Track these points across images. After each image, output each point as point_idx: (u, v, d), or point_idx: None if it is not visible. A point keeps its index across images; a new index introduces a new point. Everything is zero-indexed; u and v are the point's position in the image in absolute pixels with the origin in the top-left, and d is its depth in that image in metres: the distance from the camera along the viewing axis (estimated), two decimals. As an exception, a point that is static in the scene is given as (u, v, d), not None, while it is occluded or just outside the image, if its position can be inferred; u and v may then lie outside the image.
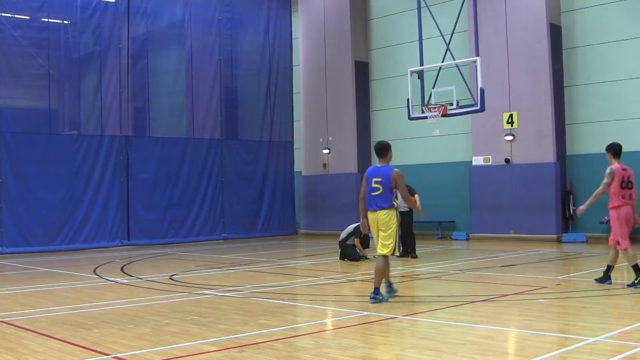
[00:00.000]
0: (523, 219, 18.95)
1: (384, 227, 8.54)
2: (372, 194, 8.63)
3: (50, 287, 11.16)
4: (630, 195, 9.37)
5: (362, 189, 8.77)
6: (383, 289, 8.71)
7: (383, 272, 8.58)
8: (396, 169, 8.55)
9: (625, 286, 9.38)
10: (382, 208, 8.53)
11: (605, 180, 9.33)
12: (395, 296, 8.82)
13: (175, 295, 9.74)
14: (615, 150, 9.60)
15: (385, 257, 8.55)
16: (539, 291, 9.45)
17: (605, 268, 9.70)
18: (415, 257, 14.31)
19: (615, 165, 9.43)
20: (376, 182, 8.63)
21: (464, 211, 20.08)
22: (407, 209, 14.20)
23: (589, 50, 18.68)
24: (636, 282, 9.22)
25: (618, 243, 9.31)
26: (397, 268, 12.66)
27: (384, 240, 8.53)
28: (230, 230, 22.36)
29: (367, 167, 26.43)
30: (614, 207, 9.33)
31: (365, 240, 14.36)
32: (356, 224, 14.07)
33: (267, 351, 6.01)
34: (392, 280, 9.17)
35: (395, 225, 8.57)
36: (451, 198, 20.58)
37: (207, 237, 21.72)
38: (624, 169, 9.46)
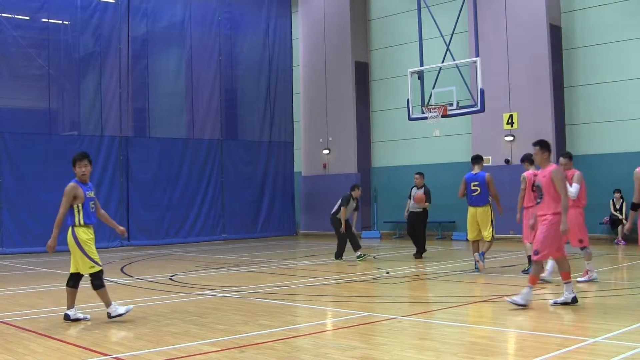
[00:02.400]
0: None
1: (481, 219, 11.75)
2: (472, 194, 11.81)
3: (50, 287, 11.15)
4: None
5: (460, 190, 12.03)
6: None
7: (488, 248, 11.90)
8: (488, 174, 11.75)
9: (521, 272, 11.15)
10: (479, 205, 11.75)
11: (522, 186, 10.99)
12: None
13: (175, 295, 9.73)
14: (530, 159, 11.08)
15: (489, 242, 11.78)
16: (539, 291, 9.45)
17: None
18: (419, 257, 14.35)
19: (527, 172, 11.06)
20: (474, 185, 11.83)
21: (464, 212, 19.97)
22: (419, 210, 14.26)
23: (589, 50, 18.68)
24: (527, 268, 10.96)
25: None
26: (398, 268, 12.66)
27: (485, 231, 11.76)
28: (230, 231, 22.36)
29: (367, 167, 26.45)
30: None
31: (354, 240, 14.56)
32: (345, 194, 14.61)
33: (267, 351, 6.01)
34: (393, 280, 9.16)
35: (490, 218, 11.83)
36: (451, 198, 20.44)
37: (207, 237, 21.72)
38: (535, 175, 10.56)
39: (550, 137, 18.57)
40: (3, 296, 10.09)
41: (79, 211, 7.72)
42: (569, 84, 19.05)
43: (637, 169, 8.39)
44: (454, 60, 17.04)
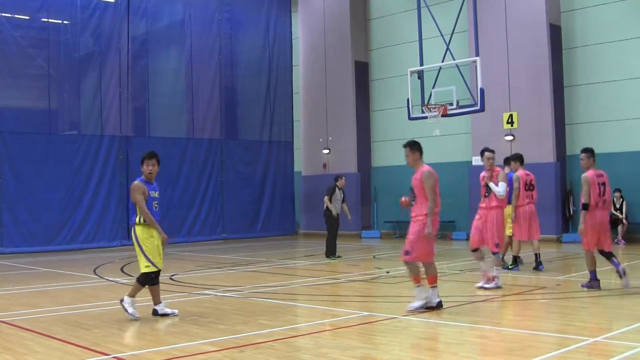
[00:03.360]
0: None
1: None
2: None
3: (50, 287, 11.16)
4: (532, 195, 11.68)
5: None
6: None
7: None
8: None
9: (502, 268, 10.94)
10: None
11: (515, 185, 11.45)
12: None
13: (175, 295, 9.73)
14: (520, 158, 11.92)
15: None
16: (539, 291, 9.46)
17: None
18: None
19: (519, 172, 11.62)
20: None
21: (464, 211, 20.06)
22: None
23: (589, 50, 18.68)
24: (510, 266, 11.64)
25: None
26: (399, 268, 12.66)
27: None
28: (230, 230, 22.35)
29: (367, 167, 26.37)
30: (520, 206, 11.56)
31: (332, 245, 14.83)
32: (330, 184, 15.20)
33: (267, 351, 6.01)
34: (393, 280, 9.16)
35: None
36: (451, 198, 20.54)
37: (207, 237, 21.72)
38: (527, 174, 11.71)
39: (550, 137, 18.60)
40: (3, 296, 10.10)
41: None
42: (569, 84, 19.05)
43: (585, 174, 9.31)
44: (454, 59, 17.04)
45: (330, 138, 24.07)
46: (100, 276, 12.50)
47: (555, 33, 18.90)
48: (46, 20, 19.33)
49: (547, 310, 8.17)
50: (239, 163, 22.89)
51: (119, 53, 20.19)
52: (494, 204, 9.51)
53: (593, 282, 9.18)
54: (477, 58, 16.31)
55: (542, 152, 18.58)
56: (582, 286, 9.28)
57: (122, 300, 7.80)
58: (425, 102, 17.06)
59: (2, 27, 18.34)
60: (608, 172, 18.52)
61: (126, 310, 7.70)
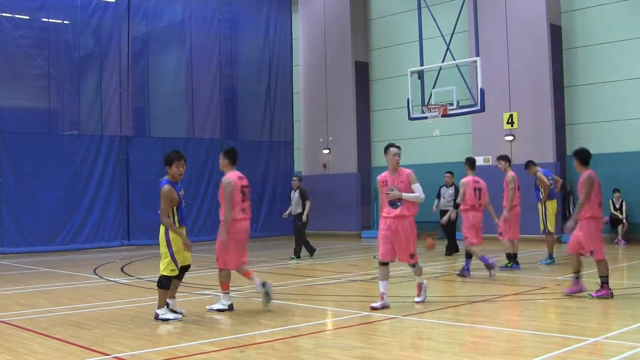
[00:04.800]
0: (523, 220, 18.79)
1: None
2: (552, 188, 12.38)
3: (50, 287, 11.15)
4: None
5: None
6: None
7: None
8: None
9: (498, 267, 11.26)
10: None
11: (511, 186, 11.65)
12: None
13: (176, 295, 9.71)
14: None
15: None
16: (539, 291, 9.46)
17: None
18: (449, 254, 14.95)
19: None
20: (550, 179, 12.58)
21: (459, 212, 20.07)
22: (448, 209, 14.60)
23: (589, 50, 18.68)
24: (508, 265, 11.65)
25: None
26: (399, 268, 12.65)
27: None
28: (229, 231, 22.33)
29: (367, 167, 26.30)
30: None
31: (300, 245, 15.09)
32: (303, 188, 15.66)
33: (267, 351, 6.01)
34: (393, 280, 9.17)
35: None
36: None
37: (207, 237, 21.63)
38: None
39: (550, 137, 18.60)
40: (3, 296, 10.09)
41: (174, 214, 7.59)
42: (569, 84, 19.05)
43: (464, 180, 10.91)
44: (454, 60, 17.04)
45: (330, 138, 24.07)
46: (100, 276, 12.50)
47: (555, 33, 18.90)
48: (46, 20, 19.34)
49: (547, 310, 8.17)
50: (239, 163, 22.81)
51: (119, 53, 20.19)
52: (406, 212, 8.13)
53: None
54: (477, 58, 16.31)
55: (542, 152, 18.58)
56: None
57: (156, 316, 7.55)
58: (426, 102, 17.06)
59: (2, 27, 18.34)
60: (608, 172, 18.69)
61: (168, 320, 7.47)
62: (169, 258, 7.52)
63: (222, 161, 8.49)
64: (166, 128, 21.40)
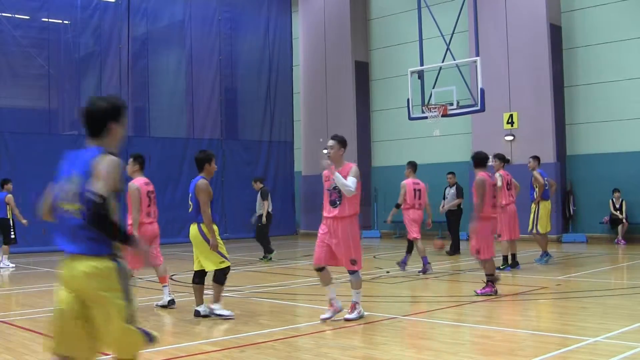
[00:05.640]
0: (523, 220, 18.93)
1: None
2: (546, 188, 12.53)
3: (50, 287, 11.14)
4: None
5: None
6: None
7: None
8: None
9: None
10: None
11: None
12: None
13: (175, 295, 9.72)
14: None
15: None
16: (539, 291, 9.46)
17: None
18: (452, 254, 15.06)
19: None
20: (546, 180, 12.64)
21: (464, 211, 20.07)
22: (455, 208, 15.04)
23: (589, 50, 18.68)
24: (501, 267, 11.49)
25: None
26: (399, 268, 12.65)
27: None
28: (230, 230, 22.34)
29: (367, 167, 26.20)
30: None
31: (263, 237, 15.31)
32: (264, 188, 15.74)
33: (267, 351, 6.01)
34: (393, 280, 9.15)
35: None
36: (451, 198, 20.57)
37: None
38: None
39: (550, 137, 18.59)
40: (3, 296, 10.09)
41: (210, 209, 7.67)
42: (569, 84, 19.05)
43: (404, 182, 11.81)
44: (454, 60, 17.04)
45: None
46: (100, 276, 12.47)
47: (555, 33, 18.90)
48: (46, 20, 19.34)
49: (547, 310, 8.17)
50: (239, 163, 22.88)
51: (119, 53, 20.20)
52: (346, 212, 7.42)
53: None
54: (477, 58, 16.31)
55: (542, 152, 18.51)
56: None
57: (212, 311, 7.61)
58: (426, 102, 17.05)
59: (2, 27, 18.34)
60: (608, 172, 18.66)
61: (222, 316, 7.56)
62: (214, 254, 7.54)
63: (132, 167, 8.55)
64: (166, 128, 21.41)
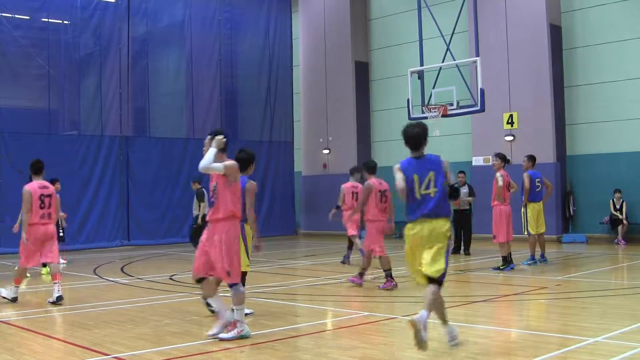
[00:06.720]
0: (518, 221, 18.94)
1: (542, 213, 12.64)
2: (537, 190, 12.44)
3: (51, 287, 11.14)
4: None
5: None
6: None
7: None
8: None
9: (491, 269, 11.59)
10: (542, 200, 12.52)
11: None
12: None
13: (175, 295, 9.73)
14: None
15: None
16: (539, 291, 9.46)
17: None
18: (469, 254, 15.00)
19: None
20: (538, 182, 12.41)
21: (474, 211, 20.07)
22: (466, 207, 15.06)
23: (589, 50, 18.67)
24: (501, 267, 11.64)
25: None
26: (398, 269, 12.65)
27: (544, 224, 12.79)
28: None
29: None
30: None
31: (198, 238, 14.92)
32: (199, 190, 15.53)
33: (267, 351, 6.01)
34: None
35: None
36: (451, 198, 20.56)
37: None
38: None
39: (550, 137, 18.59)
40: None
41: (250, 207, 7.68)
42: (569, 84, 19.05)
43: (344, 185, 12.79)
44: (454, 60, 17.04)
45: (330, 138, 24.07)
46: (100, 276, 12.50)
47: (555, 33, 18.90)
48: (46, 20, 19.32)
49: (547, 310, 8.17)
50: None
51: (119, 53, 20.18)
52: (220, 214, 6.62)
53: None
54: (477, 58, 16.31)
55: (542, 152, 18.56)
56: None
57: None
58: (426, 103, 17.06)
59: (2, 27, 18.32)
60: (608, 172, 18.64)
61: (246, 314, 7.42)
62: (245, 255, 7.55)
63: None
64: (166, 128, 21.39)
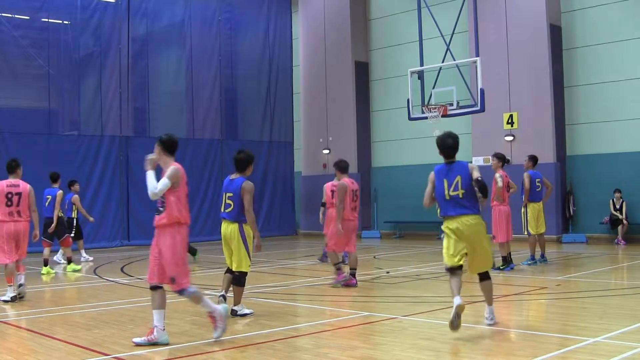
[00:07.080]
0: (518, 221, 18.94)
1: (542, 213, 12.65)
2: (537, 190, 12.37)
3: (50, 287, 11.15)
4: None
5: None
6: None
7: None
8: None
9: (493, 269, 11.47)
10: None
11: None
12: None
13: (175, 295, 9.72)
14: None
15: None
16: (538, 291, 9.46)
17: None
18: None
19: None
20: (538, 182, 12.45)
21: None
22: None
23: (589, 50, 18.68)
24: (501, 267, 11.65)
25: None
26: (398, 269, 12.65)
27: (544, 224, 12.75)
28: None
29: (367, 167, 26.19)
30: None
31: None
32: None
33: (267, 351, 6.01)
34: (393, 280, 9.15)
35: None
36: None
37: (208, 237, 21.68)
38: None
39: (550, 137, 18.59)
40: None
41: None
42: (569, 84, 19.05)
43: (326, 185, 12.68)
44: (454, 60, 17.04)
45: (330, 138, 24.07)
46: (100, 276, 12.50)
47: (555, 33, 18.90)
48: (46, 20, 19.32)
49: (547, 310, 8.17)
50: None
51: (119, 53, 20.19)
52: (165, 219, 6.40)
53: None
54: (477, 58, 16.31)
55: (542, 152, 18.53)
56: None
57: (235, 313, 7.69)
58: (426, 103, 17.06)
59: (2, 27, 18.33)
60: (608, 172, 18.65)
61: (246, 315, 7.74)
62: (247, 256, 7.67)
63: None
64: (166, 128, 21.26)
